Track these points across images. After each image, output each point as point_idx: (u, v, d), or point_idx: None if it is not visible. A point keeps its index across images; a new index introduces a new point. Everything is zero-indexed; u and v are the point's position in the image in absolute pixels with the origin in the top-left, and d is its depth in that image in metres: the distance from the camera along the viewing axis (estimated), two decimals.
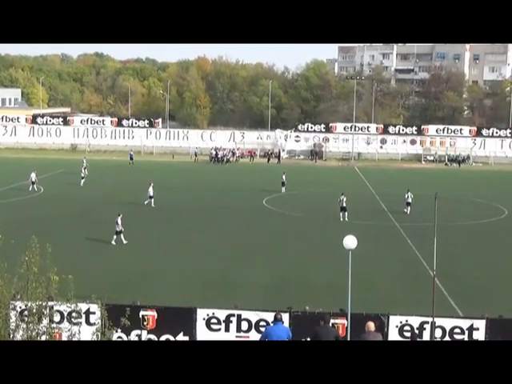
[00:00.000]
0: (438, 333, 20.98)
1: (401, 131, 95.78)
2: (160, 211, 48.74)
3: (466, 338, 20.86)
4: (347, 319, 19.81)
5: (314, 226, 45.03)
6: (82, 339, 13.96)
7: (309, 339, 17.73)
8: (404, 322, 21.16)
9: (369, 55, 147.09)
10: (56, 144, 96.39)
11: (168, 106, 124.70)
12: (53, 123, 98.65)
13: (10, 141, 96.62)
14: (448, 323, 21.28)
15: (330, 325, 17.53)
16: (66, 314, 18.79)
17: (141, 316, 21.32)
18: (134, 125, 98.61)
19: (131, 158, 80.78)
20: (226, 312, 21.70)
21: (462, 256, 37.29)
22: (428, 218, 33.65)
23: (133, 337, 20.94)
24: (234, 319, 21.59)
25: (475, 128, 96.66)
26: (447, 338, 21.01)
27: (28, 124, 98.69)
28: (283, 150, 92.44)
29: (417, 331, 20.82)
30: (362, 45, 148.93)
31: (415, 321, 21.19)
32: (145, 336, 21.29)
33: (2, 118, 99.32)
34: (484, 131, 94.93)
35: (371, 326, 14.85)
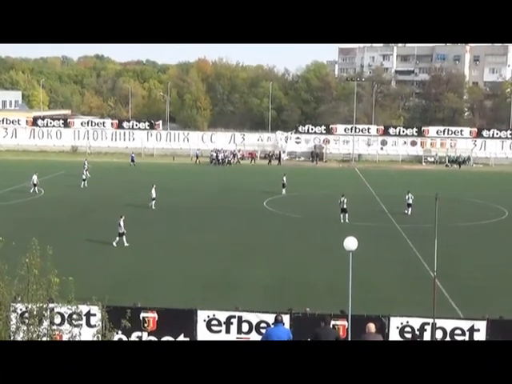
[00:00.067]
0: (439, 334, 20.97)
1: (401, 132, 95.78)
2: (160, 212, 48.75)
3: (467, 339, 20.84)
4: (348, 320, 19.80)
5: (315, 228, 45.01)
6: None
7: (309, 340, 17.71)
8: (405, 324, 21.14)
9: (369, 57, 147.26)
10: (56, 146, 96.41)
11: (168, 108, 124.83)
12: (53, 125, 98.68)
13: (11, 143, 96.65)
14: (449, 324, 21.26)
15: (331, 326, 17.52)
16: (66, 316, 18.78)
17: (141, 318, 21.31)
18: (134, 127, 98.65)
19: (132, 160, 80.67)
20: (226, 314, 21.69)
21: (463, 257, 37.28)
22: (428, 219, 33.65)
23: (133, 339, 20.93)
24: (234, 321, 21.58)
25: (476, 129, 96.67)
26: (448, 339, 20.99)
27: (28, 126, 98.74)
28: (284, 152, 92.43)
29: (417, 332, 20.80)
30: (362, 46, 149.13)
31: (416, 322, 21.18)
32: (145, 338, 21.27)
33: (3, 120, 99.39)
34: (484, 132, 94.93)
35: (372, 327, 14.84)
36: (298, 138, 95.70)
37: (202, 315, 21.63)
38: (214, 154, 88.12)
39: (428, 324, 20.95)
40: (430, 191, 37.99)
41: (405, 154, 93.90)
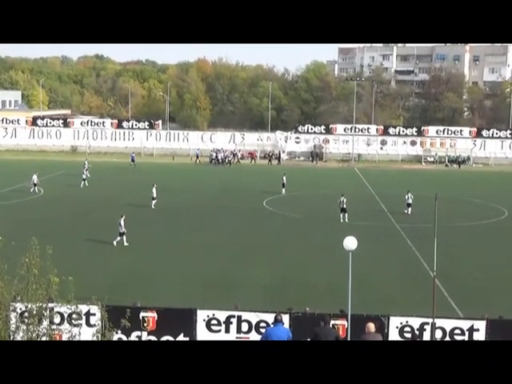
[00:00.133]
0: (439, 334, 20.97)
1: (401, 132, 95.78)
2: (160, 212, 48.75)
3: (467, 339, 20.84)
4: (347, 320, 19.80)
5: (314, 227, 45.02)
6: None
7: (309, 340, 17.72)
8: (404, 323, 21.14)
9: (369, 56, 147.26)
10: (56, 146, 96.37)
11: (168, 108, 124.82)
12: (53, 125, 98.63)
13: (11, 143, 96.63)
14: (448, 324, 21.26)
15: (331, 326, 17.53)
16: (66, 316, 18.77)
17: (141, 317, 21.31)
18: (134, 127, 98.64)
19: (132, 160, 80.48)
20: (226, 313, 21.69)
21: (462, 257, 37.28)
22: (428, 218, 33.65)
23: (133, 338, 20.94)
24: (234, 320, 21.58)
25: (475, 129, 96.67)
26: (447, 339, 20.99)
27: (28, 126, 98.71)
28: (283, 152, 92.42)
29: (417, 332, 20.81)
30: (361, 46, 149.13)
31: (415, 322, 21.18)
32: (145, 337, 21.27)
33: (3, 120, 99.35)
34: (484, 132, 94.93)
35: (371, 326, 14.84)
36: (297, 137, 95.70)
37: (202, 315, 21.63)
38: (214, 154, 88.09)
39: (427, 324, 20.95)
40: (430, 191, 38.04)
41: (404, 153, 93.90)
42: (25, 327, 13.41)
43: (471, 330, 21.08)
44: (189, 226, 44.72)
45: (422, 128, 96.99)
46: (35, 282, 13.30)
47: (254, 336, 20.90)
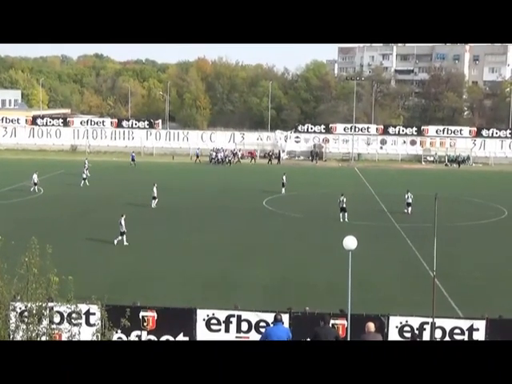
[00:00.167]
0: (438, 333, 20.98)
1: (401, 132, 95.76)
2: (160, 212, 48.76)
3: (466, 339, 20.84)
4: (347, 320, 19.80)
5: (314, 227, 45.02)
6: (81, 340, 13.95)
7: (309, 340, 17.72)
8: (404, 323, 21.15)
9: (368, 56, 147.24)
10: (56, 145, 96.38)
11: (168, 107, 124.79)
12: (53, 124, 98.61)
13: (10, 142, 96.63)
14: (448, 324, 21.27)
15: (330, 325, 17.53)
16: (65, 315, 18.77)
17: (141, 317, 21.31)
18: (133, 126, 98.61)
19: (133, 159, 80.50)
20: (225, 313, 21.69)
21: (462, 256, 37.29)
22: (428, 218, 33.66)
23: (133, 338, 20.94)
24: (233, 320, 21.58)
25: (475, 129, 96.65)
26: (447, 339, 20.99)
27: (28, 125, 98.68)
28: (283, 151, 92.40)
29: (417, 332, 20.81)
30: (361, 46, 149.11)
31: (415, 321, 21.18)
32: (145, 337, 21.28)
33: (2, 119, 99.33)
34: (484, 132, 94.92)
35: (371, 326, 14.84)
36: (297, 137, 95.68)
37: (202, 314, 21.63)
38: (214, 154, 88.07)
39: (427, 323, 20.96)
40: (430, 190, 38.03)
41: (404, 153, 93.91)
42: (24, 326, 13.42)
43: (471, 329, 21.09)
44: (189, 225, 44.72)
45: (422, 127, 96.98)
46: (35, 281, 13.31)
47: (254, 335, 20.90)
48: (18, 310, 13.97)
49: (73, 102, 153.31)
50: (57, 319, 17.19)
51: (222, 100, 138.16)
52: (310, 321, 19.36)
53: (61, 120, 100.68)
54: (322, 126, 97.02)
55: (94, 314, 20.47)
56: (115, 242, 37.95)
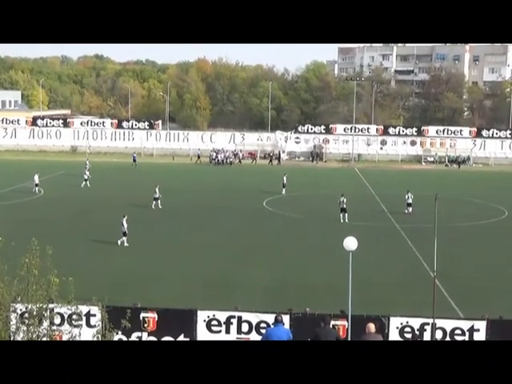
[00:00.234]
0: (439, 334, 20.97)
1: (401, 132, 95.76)
2: (161, 212, 48.77)
3: (467, 339, 20.83)
4: (348, 321, 19.79)
5: (314, 228, 45.01)
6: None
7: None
8: (404, 324, 21.13)
9: (368, 56, 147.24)
10: (56, 146, 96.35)
11: (168, 108, 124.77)
12: (53, 125, 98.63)
13: (11, 143, 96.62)
14: (449, 324, 21.26)
15: (331, 326, 17.52)
16: (66, 317, 18.77)
17: (141, 318, 21.30)
18: (134, 127, 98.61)
19: (134, 160, 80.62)
20: (226, 314, 21.68)
21: (463, 257, 37.27)
22: (428, 219, 33.64)
23: (133, 339, 20.92)
24: (234, 321, 21.57)
25: (475, 129, 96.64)
26: (448, 339, 20.98)
27: (28, 126, 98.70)
28: (283, 152, 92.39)
29: (417, 332, 20.80)
30: (361, 46, 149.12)
31: (416, 322, 21.17)
32: (145, 338, 21.26)
33: (2, 120, 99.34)
34: (484, 132, 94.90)
35: (372, 327, 14.83)
36: (297, 137, 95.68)
37: (202, 315, 21.62)
38: (214, 154, 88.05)
39: (428, 324, 20.95)
40: (430, 191, 38.04)
41: (404, 153, 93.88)
42: (25, 328, 13.39)
43: (471, 330, 21.08)
44: (189, 226, 44.71)
45: (422, 128, 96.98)
46: (35, 282, 13.29)
47: (255, 336, 20.90)
48: (19, 312, 13.95)
49: (73, 103, 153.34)
50: (57, 320, 17.17)
51: (222, 100, 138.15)
52: (311, 322, 19.35)
53: (61, 121, 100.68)
54: (322, 127, 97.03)
55: (94, 315, 20.46)
56: (119, 242, 37.98)
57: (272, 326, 17.11)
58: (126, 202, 51.92)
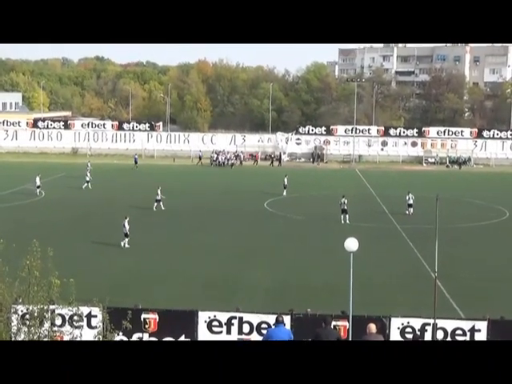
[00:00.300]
0: (440, 334, 20.97)
1: (402, 133, 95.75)
2: (162, 214, 48.77)
3: (468, 340, 20.82)
4: (349, 321, 19.80)
5: (315, 229, 45.01)
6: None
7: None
8: (406, 324, 21.14)
9: (369, 57, 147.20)
10: (57, 148, 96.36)
11: (169, 110, 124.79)
12: (54, 127, 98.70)
13: (11, 145, 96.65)
14: (450, 325, 21.26)
15: (332, 327, 17.51)
16: (67, 318, 18.78)
17: (142, 319, 21.32)
18: (134, 128, 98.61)
19: (136, 162, 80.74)
20: (227, 314, 21.69)
21: (464, 258, 37.27)
22: (429, 219, 33.64)
23: (134, 340, 20.93)
24: (235, 322, 21.58)
25: (476, 130, 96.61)
26: (449, 340, 20.97)
27: (29, 128, 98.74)
28: (284, 153, 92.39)
29: (418, 333, 20.79)
30: (362, 47, 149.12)
31: (417, 322, 21.17)
32: (146, 339, 21.27)
33: (3, 122, 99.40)
34: (485, 133, 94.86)
35: (373, 327, 14.83)
36: (298, 139, 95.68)
37: (203, 316, 21.63)
38: (215, 156, 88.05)
39: (429, 324, 20.95)
40: (431, 192, 38.06)
41: (405, 154, 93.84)
42: (26, 329, 13.41)
43: (472, 330, 21.09)
44: (190, 227, 44.71)
45: (423, 129, 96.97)
46: (36, 284, 13.31)
47: (256, 337, 20.90)
48: (20, 313, 13.97)
49: (74, 105, 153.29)
50: (58, 322, 17.20)
51: (223, 102, 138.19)
52: (312, 322, 19.36)
53: (62, 123, 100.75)
54: (323, 128, 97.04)
55: (95, 316, 20.45)
56: (122, 244, 38.00)
57: (273, 327, 17.11)
58: (127, 203, 51.90)
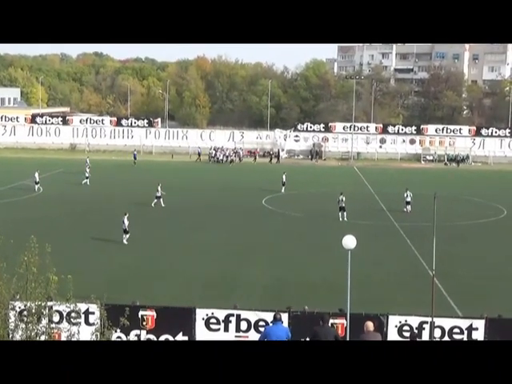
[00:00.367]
0: (437, 333, 20.98)
1: (400, 131, 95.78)
2: (160, 211, 48.75)
3: (466, 338, 20.86)
4: (346, 319, 19.80)
5: (314, 226, 45.02)
6: (81, 339, 13.95)
7: (308, 339, 17.73)
8: (403, 322, 21.16)
9: (368, 55, 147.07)
10: (55, 144, 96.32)
11: (167, 106, 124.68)
12: (52, 123, 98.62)
13: (10, 140, 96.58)
14: (447, 323, 21.28)
15: (330, 325, 17.54)
16: (65, 314, 18.78)
17: (140, 316, 21.32)
18: (133, 124, 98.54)
19: (135, 158, 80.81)
20: (225, 312, 21.70)
21: (461, 256, 37.31)
22: (427, 217, 33.67)
23: (132, 337, 20.94)
24: (233, 319, 21.59)
25: (474, 128, 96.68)
26: (446, 338, 21.00)
27: (27, 124, 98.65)
28: (282, 150, 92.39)
29: (416, 331, 20.81)
30: (361, 44, 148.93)
31: (414, 321, 21.19)
32: (144, 336, 21.28)
33: (2, 117, 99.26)
34: (483, 131, 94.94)
35: (370, 325, 14.84)
36: (296, 136, 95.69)
37: (201, 313, 21.64)
38: (213, 152, 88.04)
39: (426, 323, 20.97)
40: (429, 190, 38.01)
41: (404, 152, 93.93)
42: (24, 326, 13.41)
43: (470, 328, 21.10)
44: (188, 224, 44.70)
45: (422, 126, 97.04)
46: (34, 280, 13.30)
47: (253, 335, 20.90)
48: (18, 309, 13.96)
49: (72, 101, 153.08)
50: (56, 318, 17.20)
51: (222, 98, 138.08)
52: (310, 320, 19.37)
53: (60, 118, 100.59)
54: (322, 125, 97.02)
55: (93, 313, 20.46)
56: (124, 241, 37.98)
57: (271, 325, 17.12)
58: (125, 200, 51.88)
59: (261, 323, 21.10)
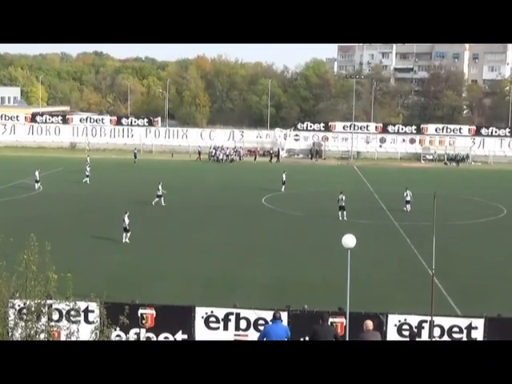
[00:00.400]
0: (437, 332, 20.99)
1: (400, 130, 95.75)
2: (160, 210, 48.74)
3: (465, 337, 20.87)
4: (346, 318, 19.81)
5: (313, 225, 45.02)
6: (80, 338, 13.96)
7: (307, 338, 17.74)
8: (403, 321, 21.17)
9: (368, 54, 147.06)
10: (55, 142, 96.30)
11: (167, 105, 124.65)
12: (52, 122, 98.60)
13: (10, 139, 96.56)
14: (447, 322, 21.29)
15: (329, 323, 17.56)
16: (64, 313, 18.77)
17: (139, 314, 21.33)
18: (133, 123, 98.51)
19: (135, 157, 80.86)
20: (224, 310, 21.71)
21: (461, 255, 37.32)
22: (427, 216, 33.66)
23: (131, 335, 20.93)
24: (232, 318, 21.59)
25: (474, 127, 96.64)
26: (446, 337, 21.01)
27: (27, 122, 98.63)
28: (282, 149, 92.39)
29: (415, 330, 20.82)
30: (361, 44, 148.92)
31: (414, 320, 21.20)
32: (143, 334, 21.29)
33: (2, 116, 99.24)
34: (483, 130, 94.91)
35: (369, 324, 14.86)
36: (296, 135, 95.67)
37: (200, 312, 21.65)
38: (213, 151, 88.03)
39: (426, 322, 20.98)
40: (429, 189, 38.01)
41: (403, 151, 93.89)
42: (23, 324, 13.42)
43: (469, 328, 21.11)
44: (188, 223, 44.70)
45: (421, 126, 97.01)
46: (34, 278, 13.31)
47: (253, 333, 20.91)
48: (17, 308, 13.96)
49: (72, 100, 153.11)
50: (55, 316, 17.19)
51: (222, 98, 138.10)
52: (309, 319, 19.39)
53: (60, 117, 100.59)
54: (322, 124, 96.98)
55: (92, 311, 20.48)
56: (127, 240, 37.99)
57: (270, 323, 17.14)
58: (125, 198, 51.87)
59: (260, 322, 21.11)
